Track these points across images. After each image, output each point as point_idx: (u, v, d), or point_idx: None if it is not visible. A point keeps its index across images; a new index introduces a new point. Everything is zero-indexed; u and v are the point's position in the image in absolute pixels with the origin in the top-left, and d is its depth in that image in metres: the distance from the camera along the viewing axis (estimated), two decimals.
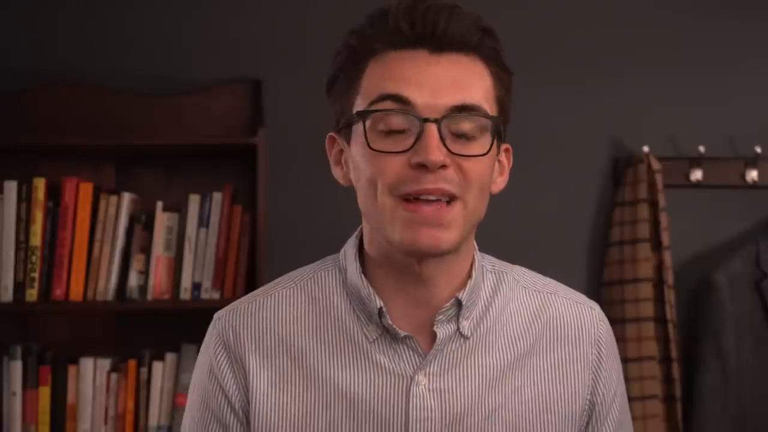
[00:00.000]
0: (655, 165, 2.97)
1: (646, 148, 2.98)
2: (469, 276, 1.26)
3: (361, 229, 1.30)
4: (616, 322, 2.94)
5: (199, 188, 2.88)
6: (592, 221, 3.09)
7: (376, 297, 1.24)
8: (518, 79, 3.41)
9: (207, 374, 1.28)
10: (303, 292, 1.29)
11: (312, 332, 1.26)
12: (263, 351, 1.26)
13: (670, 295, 2.94)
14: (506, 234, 2.99)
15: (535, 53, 3.06)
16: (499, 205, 3.00)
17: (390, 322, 1.23)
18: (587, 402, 1.29)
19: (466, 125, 1.18)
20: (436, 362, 1.24)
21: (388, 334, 1.24)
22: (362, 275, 1.25)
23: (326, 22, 3.03)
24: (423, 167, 1.16)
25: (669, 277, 2.94)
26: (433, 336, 1.24)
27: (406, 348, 1.24)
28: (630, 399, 2.99)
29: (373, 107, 1.19)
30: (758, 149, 3.00)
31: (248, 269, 2.85)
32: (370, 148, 1.18)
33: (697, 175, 3.03)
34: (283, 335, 1.26)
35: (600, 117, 3.08)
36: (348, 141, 1.24)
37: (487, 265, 1.32)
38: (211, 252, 2.83)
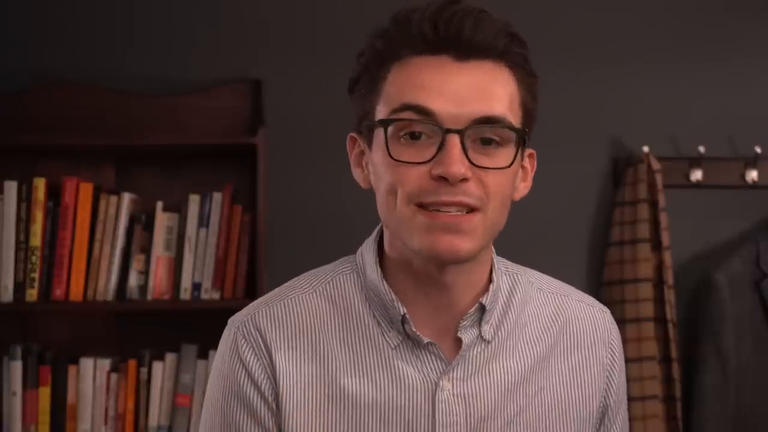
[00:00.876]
0: (655, 165, 2.97)
1: (646, 148, 2.98)
2: (490, 280, 1.26)
3: (379, 231, 1.28)
4: (616, 322, 2.93)
5: (199, 188, 2.88)
6: (592, 221, 3.09)
7: (399, 303, 1.22)
8: None
9: (230, 366, 1.24)
10: (322, 296, 1.27)
11: (336, 337, 1.24)
12: (291, 352, 1.23)
13: (670, 295, 2.94)
14: (506, 234, 2.97)
15: (535, 53, 3.06)
16: None
17: (414, 329, 1.22)
18: (601, 404, 1.30)
19: (490, 137, 1.16)
20: (460, 367, 1.23)
21: (410, 340, 1.23)
22: (384, 280, 1.23)
23: (326, 23, 3.03)
24: (443, 179, 1.14)
25: (669, 277, 2.94)
26: (456, 341, 1.23)
27: (428, 354, 1.23)
28: (630, 399, 2.99)
29: (395, 116, 1.16)
30: (758, 149, 3.00)
31: (248, 269, 2.85)
32: (392, 157, 1.16)
33: (697, 175, 3.03)
34: (309, 338, 1.24)
35: (600, 117, 3.08)
36: (369, 144, 1.22)
37: (501, 267, 1.31)
38: (211, 252, 2.83)
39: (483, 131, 1.15)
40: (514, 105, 1.19)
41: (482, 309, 1.24)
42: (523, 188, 1.27)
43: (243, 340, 1.24)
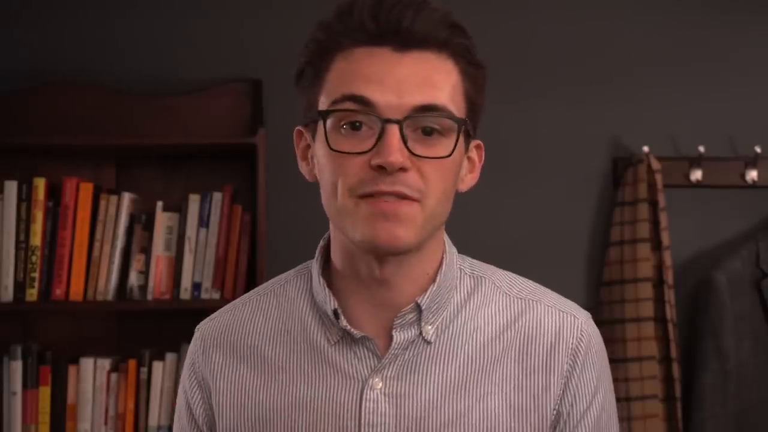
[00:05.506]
0: (655, 165, 2.97)
1: (646, 148, 2.98)
2: (434, 280, 1.23)
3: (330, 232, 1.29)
4: (616, 322, 2.95)
5: (199, 188, 2.88)
6: (592, 221, 3.09)
7: (332, 298, 1.23)
8: (519, 79, 3.41)
9: (181, 388, 1.33)
10: (274, 297, 1.30)
11: (275, 339, 1.27)
12: (228, 361, 1.28)
13: (670, 295, 2.94)
14: (506, 234, 2.99)
15: (535, 53, 3.06)
16: (499, 206, 3.01)
17: (345, 324, 1.22)
18: (554, 412, 1.24)
19: (430, 126, 1.16)
20: (394, 366, 1.22)
21: (349, 336, 1.23)
22: (321, 277, 1.25)
23: None
24: (382, 169, 1.13)
25: (669, 277, 2.94)
26: (390, 340, 1.22)
27: (365, 350, 1.22)
28: (630, 399, 3.00)
29: (335, 107, 1.16)
30: (758, 149, 3.00)
31: (248, 269, 2.85)
32: (331, 148, 1.16)
33: (697, 175, 3.03)
34: (248, 344, 1.28)
35: (600, 117, 3.08)
36: (313, 137, 1.22)
37: (466, 268, 1.29)
38: (211, 252, 2.83)
39: (423, 120, 1.15)
40: (457, 95, 1.18)
41: (419, 309, 1.22)
42: (469, 180, 1.26)
43: (192, 352, 1.33)
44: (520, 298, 1.28)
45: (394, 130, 1.14)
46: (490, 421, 1.21)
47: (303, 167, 1.27)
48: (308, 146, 1.25)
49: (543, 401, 1.23)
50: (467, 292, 1.27)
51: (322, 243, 1.29)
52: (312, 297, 1.27)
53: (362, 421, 1.20)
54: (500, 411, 1.22)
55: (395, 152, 1.13)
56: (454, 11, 1.21)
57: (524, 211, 3.04)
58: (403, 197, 1.15)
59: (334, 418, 1.21)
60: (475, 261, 1.31)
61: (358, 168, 1.15)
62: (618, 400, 2.95)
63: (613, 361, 2.92)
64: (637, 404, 2.88)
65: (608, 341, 2.92)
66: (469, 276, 1.28)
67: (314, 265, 1.27)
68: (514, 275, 1.32)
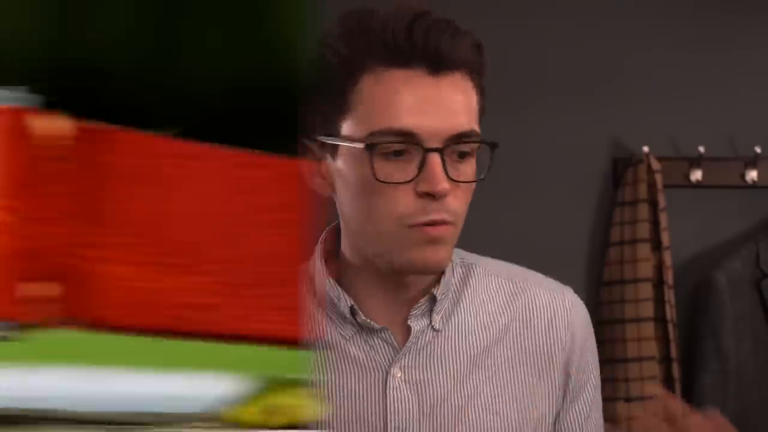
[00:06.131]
0: (655, 165, 2.96)
1: (646, 148, 2.97)
2: (442, 272, 1.29)
3: (329, 233, 1.31)
4: (616, 322, 2.94)
5: None
6: (592, 221, 3.08)
7: (346, 296, 1.26)
8: (519, 79, 3.39)
9: None
10: None
11: None
12: None
13: (670, 295, 2.93)
14: (506, 234, 2.98)
15: (535, 54, 3.06)
16: (498, 206, 3.00)
17: (364, 318, 1.25)
18: (562, 380, 1.33)
19: (463, 152, 1.20)
20: (410, 355, 1.26)
21: (363, 330, 1.26)
22: (329, 278, 1.27)
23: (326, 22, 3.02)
24: (429, 195, 1.17)
25: (669, 277, 2.94)
26: (406, 330, 1.27)
27: (381, 342, 1.26)
28: (630, 399, 2.99)
29: (380, 140, 1.16)
30: (758, 149, 3.00)
31: None
32: (377, 179, 1.17)
33: (697, 175, 3.03)
34: None
35: (600, 117, 3.08)
36: (333, 154, 1.21)
37: (455, 258, 1.33)
38: None
39: (461, 147, 1.19)
40: (476, 112, 1.22)
41: (433, 299, 1.27)
42: None
43: None
44: (510, 280, 1.35)
45: (436, 159, 1.16)
46: (501, 397, 1.28)
47: (313, 182, 1.25)
48: (318, 161, 1.24)
49: (550, 375, 1.31)
50: (460, 280, 1.32)
51: (320, 244, 1.30)
52: (316, 296, 1.28)
53: (388, 409, 1.24)
54: (510, 387, 1.29)
55: (442, 181, 1.16)
56: (453, 16, 1.21)
57: (524, 211, 3.04)
58: (446, 223, 1.19)
59: (359, 408, 1.25)
60: (460, 250, 1.35)
61: (405, 197, 1.17)
62: (618, 400, 2.96)
63: (613, 361, 2.94)
64: (637, 404, 2.88)
65: (608, 341, 2.94)
66: (459, 265, 1.33)
67: (317, 265, 1.29)
68: (499, 261, 1.38)
